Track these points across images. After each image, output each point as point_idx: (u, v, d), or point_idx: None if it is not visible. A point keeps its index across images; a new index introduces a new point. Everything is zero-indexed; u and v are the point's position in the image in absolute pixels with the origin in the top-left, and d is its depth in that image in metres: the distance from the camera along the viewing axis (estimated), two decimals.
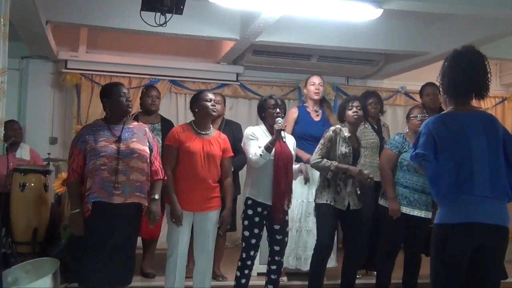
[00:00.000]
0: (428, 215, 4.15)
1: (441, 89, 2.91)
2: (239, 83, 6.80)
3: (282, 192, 3.87)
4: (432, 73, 5.85)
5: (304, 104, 5.08)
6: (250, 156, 3.88)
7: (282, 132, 3.83)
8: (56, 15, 5.18)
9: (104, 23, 5.26)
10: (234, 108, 6.85)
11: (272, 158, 3.86)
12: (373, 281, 4.48)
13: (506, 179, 2.71)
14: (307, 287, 4.14)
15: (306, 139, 4.68)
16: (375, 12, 4.36)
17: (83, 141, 3.37)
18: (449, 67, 2.81)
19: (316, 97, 4.91)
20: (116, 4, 5.13)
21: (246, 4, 4.45)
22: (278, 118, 3.89)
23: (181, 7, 3.99)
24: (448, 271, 2.70)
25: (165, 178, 3.65)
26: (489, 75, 2.79)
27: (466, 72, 2.76)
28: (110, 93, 3.50)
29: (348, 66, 6.69)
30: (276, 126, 3.86)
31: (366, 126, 4.94)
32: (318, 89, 4.90)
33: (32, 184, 4.82)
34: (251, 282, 4.08)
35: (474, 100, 2.84)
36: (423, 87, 5.04)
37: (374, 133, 4.95)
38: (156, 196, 3.56)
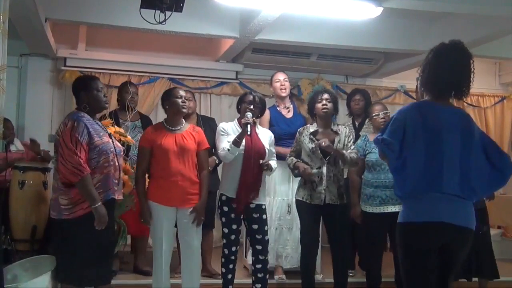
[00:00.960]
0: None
1: (419, 82, 2.82)
2: (238, 81, 6.80)
3: (248, 185, 3.89)
4: None
5: (275, 104, 5.07)
6: (219, 151, 3.93)
7: (248, 126, 3.83)
8: (55, 12, 5.17)
9: (103, 21, 5.25)
10: (233, 106, 6.80)
11: (242, 152, 3.88)
12: None
13: (486, 178, 2.65)
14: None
15: (283, 138, 4.68)
16: (375, 11, 4.36)
17: (88, 134, 3.24)
18: (433, 62, 2.72)
19: (283, 94, 4.91)
20: (115, 2, 5.12)
21: (245, 2, 4.45)
22: (247, 113, 3.92)
23: (181, 4, 3.99)
24: (420, 271, 2.64)
25: None
26: (472, 75, 2.70)
27: (449, 72, 2.67)
28: (88, 87, 3.38)
29: (348, 64, 6.69)
30: (243, 120, 3.89)
31: (349, 123, 4.97)
32: (283, 85, 4.90)
33: (31, 182, 4.81)
34: (247, 280, 4.09)
35: (452, 99, 2.75)
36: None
37: (353, 130, 4.93)
38: None
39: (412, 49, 5.98)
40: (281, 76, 4.92)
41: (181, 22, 4.91)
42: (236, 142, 3.82)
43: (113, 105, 5.30)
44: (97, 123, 3.39)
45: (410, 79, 6.94)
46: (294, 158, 4.15)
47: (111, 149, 3.32)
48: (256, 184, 3.94)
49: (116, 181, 3.34)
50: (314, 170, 4.00)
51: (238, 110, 4.12)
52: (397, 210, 4.08)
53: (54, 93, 6.50)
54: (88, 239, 3.21)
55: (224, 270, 3.99)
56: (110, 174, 3.28)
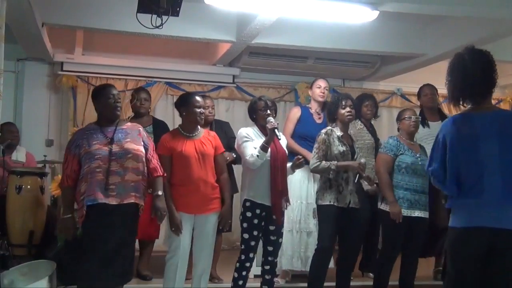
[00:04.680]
0: (426, 214, 4.16)
1: (451, 93, 2.82)
2: (235, 85, 6.80)
3: (280, 192, 3.87)
4: (428, 75, 5.92)
5: (307, 105, 5.08)
6: (247, 157, 3.85)
7: (276, 130, 3.82)
8: (52, 17, 5.17)
9: (100, 25, 5.25)
10: (231, 110, 6.85)
11: (268, 158, 3.85)
12: (369, 283, 4.46)
13: None
14: None
15: (306, 139, 4.68)
16: (371, 14, 4.37)
17: (76, 145, 3.37)
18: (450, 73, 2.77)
19: (321, 100, 4.89)
20: (112, 6, 5.12)
21: (242, 6, 4.46)
22: (269, 118, 3.88)
23: (177, 9, 3.99)
24: (458, 277, 2.64)
25: (165, 174, 3.62)
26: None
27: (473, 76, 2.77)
28: (99, 95, 3.48)
29: (344, 68, 6.70)
30: (269, 125, 3.84)
31: (361, 127, 4.96)
32: (323, 92, 4.89)
33: (29, 187, 4.81)
34: (247, 284, 4.07)
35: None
36: (421, 88, 5.14)
37: (369, 134, 4.95)
38: (160, 192, 3.56)
39: (409, 52, 6.00)
40: (322, 83, 4.90)
41: (177, 26, 4.92)
42: (265, 148, 3.79)
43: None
44: (101, 131, 3.42)
45: (406, 82, 6.99)
46: (326, 162, 4.02)
47: (99, 155, 3.32)
48: (286, 189, 3.94)
49: (106, 186, 3.30)
50: (362, 160, 4.05)
51: (253, 119, 4.06)
52: (422, 215, 4.13)
53: (51, 98, 6.49)
54: (92, 242, 3.27)
55: (236, 275, 3.92)
56: (93, 180, 3.28)
